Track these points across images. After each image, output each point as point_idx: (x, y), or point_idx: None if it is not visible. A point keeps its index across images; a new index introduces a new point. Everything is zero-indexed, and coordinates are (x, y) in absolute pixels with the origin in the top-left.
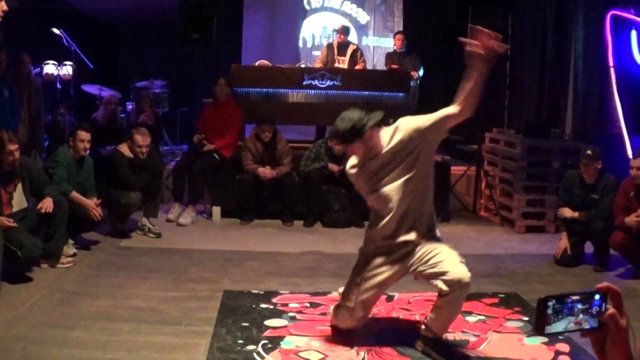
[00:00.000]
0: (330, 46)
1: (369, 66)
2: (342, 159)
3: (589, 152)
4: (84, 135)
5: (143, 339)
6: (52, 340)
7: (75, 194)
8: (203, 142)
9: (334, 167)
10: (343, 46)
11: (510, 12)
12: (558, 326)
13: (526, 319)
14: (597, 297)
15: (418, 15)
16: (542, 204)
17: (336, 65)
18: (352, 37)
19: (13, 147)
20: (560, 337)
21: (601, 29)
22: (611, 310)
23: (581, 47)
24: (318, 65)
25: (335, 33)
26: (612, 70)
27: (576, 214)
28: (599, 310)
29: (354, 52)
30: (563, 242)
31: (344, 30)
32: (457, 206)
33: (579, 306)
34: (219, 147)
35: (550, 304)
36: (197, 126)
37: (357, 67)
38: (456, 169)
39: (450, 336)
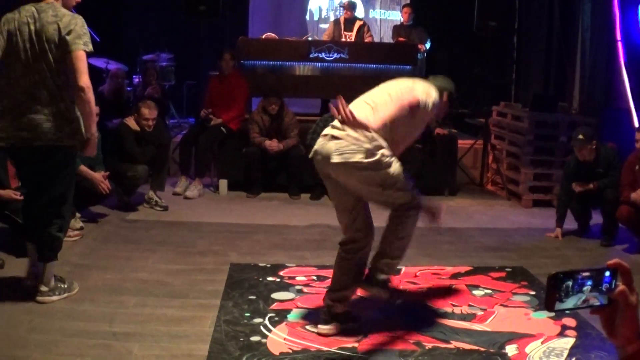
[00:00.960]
0: (337, 22)
1: (376, 39)
2: None
3: (580, 137)
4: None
5: (150, 311)
6: (59, 313)
7: (83, 168)
8: (210, 117)
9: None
10: (349, 22)
11: None
12: (568, 303)
13: (533, 293)
14: (607, 273)
15: None
16: (549, 178)
17: (342, 39)
18: (360, 9)
19: None
20: (567, 312)
21: (609, 3)
22: (621, 287)
23: (588, 20)
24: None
25: (341, 9)
26: (619, 44)
27: (590, 185)
28: (609, 287)
29: (361, 27)
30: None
31: (351, 6)
32: (464, 180)
33: (589, 283)
34: (226, 120)
35: (560, 280)
36: (204, 100)
37: (366, 41)
38: (463, 143)
39: (457, 310)
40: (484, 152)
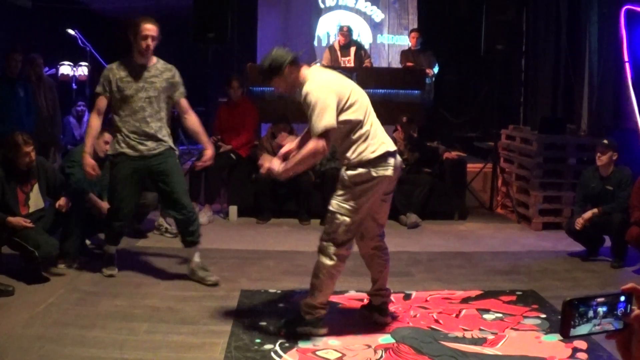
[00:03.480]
0: (332, 48)
1: (384, 64)
2: None
3: (605, 141)
4: (108, 137)
5: (160, 338)
6: (69, 339)
7: (92, 196)
8: (219, 144)
9: None
10: (345, 47)
11: (524, 7)
12: (583, 329)
13: (544, 316)
14: (622, 298)
15: (432, 12)
16: (559, 201)
17: (342, 66)
18: (367, 34)
19: (28, 148)
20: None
21: (615, 24)
22: (637, 311)
23: (595, 42)
24: None
25: (337, 34)
26: (626, 65)
27: (595, 210)
28: (624, 312)
29: (357, 50)
30: (588, 213)
31: (348, 32)
32: (474, 203)
33: (604, 308)
34: (235, 146)
35: (574, 306)
36: (213, 127)
37: (365, 66)
38: (472, 166)
39: (468, 334)
40: (494, 175)
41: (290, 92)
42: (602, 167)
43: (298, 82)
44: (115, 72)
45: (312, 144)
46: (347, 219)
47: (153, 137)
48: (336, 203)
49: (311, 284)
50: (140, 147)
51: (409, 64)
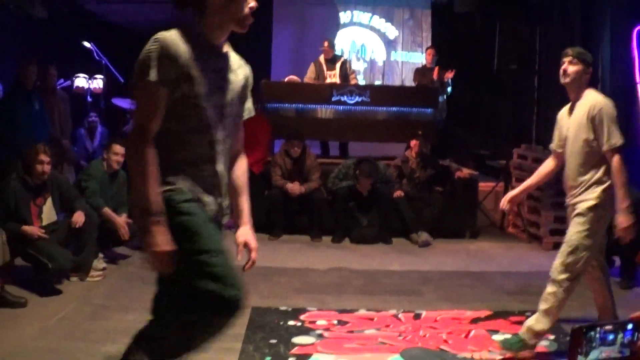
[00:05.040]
0: (317, 62)
1: (398, 81)
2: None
3: None
4: (119, 149)
5: None
6: (80, 354)
7: (106, 210)
8: None
9: (364, 186)
10: (330, 61)
11: (538, 26)
12: (590, 356)
13: (552, 337)
14: (629, 326)
15: (446, 30)
16: None
17: (328, 80)
18: (381, 52)
19: (45, 158)
20: None
21: (627, 45)
22: None
23: (608, 62)
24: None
25: (361, 51)
26: (638, 87)
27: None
28: (632, 339)
29: (343, 64)
30: None
31: (330, 46)
32: (485, 222)
33: (611, 336)
34: (249, 163)
35: (582, 334)
36: None
37: (352, 82)
38: (484, 185)
39: (476, 355)
40: (505, 194)
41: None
42: None
43: None
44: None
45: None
46: (589, 253)
47: None
48: (578, 236)
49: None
50: None
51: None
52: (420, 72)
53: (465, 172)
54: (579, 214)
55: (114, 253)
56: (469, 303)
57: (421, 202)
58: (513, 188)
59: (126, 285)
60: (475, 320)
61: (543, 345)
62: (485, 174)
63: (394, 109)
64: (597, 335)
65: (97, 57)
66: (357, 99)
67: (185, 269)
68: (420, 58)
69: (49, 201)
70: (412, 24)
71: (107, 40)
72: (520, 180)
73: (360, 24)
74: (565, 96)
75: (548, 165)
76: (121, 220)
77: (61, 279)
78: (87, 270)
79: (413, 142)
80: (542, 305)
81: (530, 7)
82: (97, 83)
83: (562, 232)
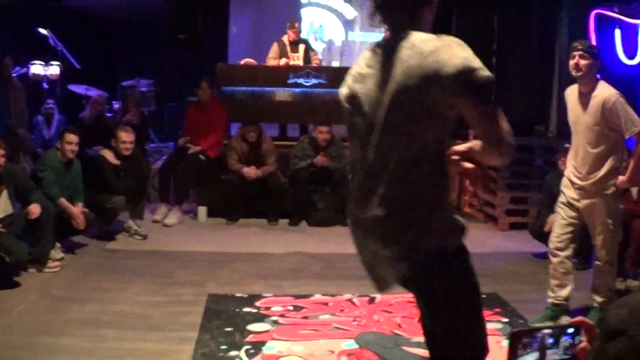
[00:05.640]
0: (281, 42)
1: (355, 61)
2: (327, 149)
3: (566, 145)
4: (72, 137)
5: (128, 345)
6: (41, 347)
7: (62, 200)
8: (188, 145)
9: (321, 160)
10: (294, 43)
11: (495, 11)
12: (528, 358)
13: (505, 320)
14: (570, 330)
15: None
16: (526, 202)
17: (290, 62)
18: (339, 32)
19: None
20: None
21: (585, 28)
22: (584, 343)
23: (565, 44)
24: (270, 62)
25: (319, 31)
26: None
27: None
28: (572, 343)
29: (307, 48)
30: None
31: (300, 28)
32: None
33: (550, 340)
34: (205, 147)
35: (520, 338)
36: (182, 128)
37: (314, 64)
38: None
39: None
40: (461, 174)
41: None
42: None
43: None
44: None
45: None
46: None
47: None
48: (613, 219)
49: None
50: None
51: None
52: None
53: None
54: (605, 199)
55: (71, 242)
56: None
57: None
58: None
59: (84, 275)
60: None
61: (495, 327)
62: None
63: None
64: (534, 340)
65: (52, 44)
66: (314, 81)
67: None
68: (378, 38)
69: (5, 194)
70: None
71: (62, 26)
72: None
73: (318, 5)
74: (520, 77)
75: None
76: (77, 210)
77: (19, 271)
78: (44, 262)
79: None
80: (603, 284)
81: None
82: (54, 70)
83: (518, 213)
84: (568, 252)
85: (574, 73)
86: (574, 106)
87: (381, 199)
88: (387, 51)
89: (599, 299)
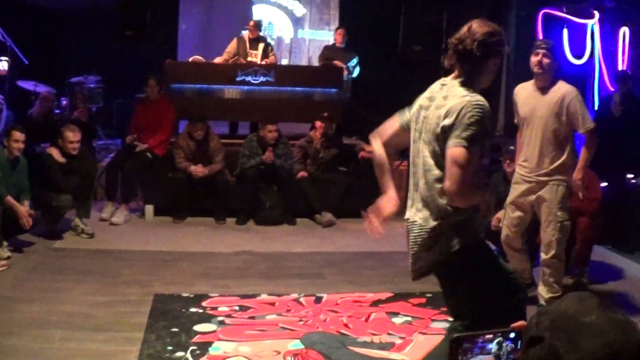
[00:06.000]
0: (241, 39)
1: (305, 59)
2: (275, 147)
3: (512, 147)
4: (19, 135)
5: (75, 346)
6: None
7: (9, 199)
8: (135, 143)
9: (268, 156)
10: (254, 41)
11: (444, 9)
12: None
13: (452, 319)
14: (512, 335)
15: (353, 10)
16: None
17: (249, 59)
18: (288, 29)
19: None
20: None
21: (533, 24)
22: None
23: (513, 44)
24: (225, 57)
25: (269, 28)
26: None
27: (503, 211)
28: (514, 347)
29: (266, 47)
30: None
31: (257, 25)
32: None
33: (491, 345)
34: (152, 145)
35: (461, 343)
36: (130, 125)
37: (269, 60)
38: None
39: (376, 339)
40: (408, 173)
41: None
42: (510, 173)
43: None
44: None
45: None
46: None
47: None
48: (562, 212)
49: None
50: None
51: (337, 62)
52: (329, 51)
53: (368, 149)
54: (555, 191)
55: (18, 240)
56: (370, 285)
57: (325, 183)
58: None
59: (31, 274)
60: (375, 303)
61: (442, 327)
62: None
63: (299, 88)
64: (475, 345)
65: (1, 38)
66: (262, 78)
67: None
68: (327, 36)
69: None
70: (320, 2)
71: (10, 20)
72: None
73: (267, 2)
74: None
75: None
76: (23, 208)
77: None
78: None
79: (318, 124)
80: (551, 278)
81: None
82: (2, 65)
83: None
84: (520, 247)
85: (535, 70)
86: (528, 100)
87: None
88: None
89: (545, 294)
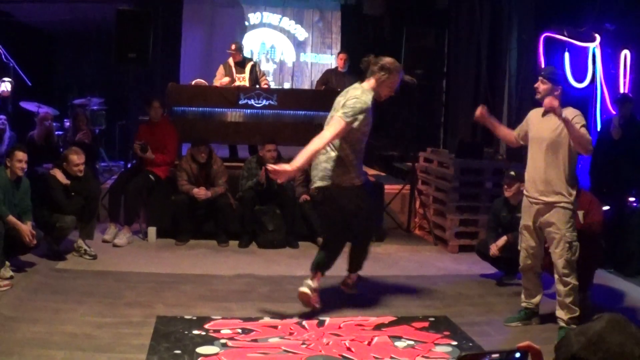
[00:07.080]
0: (226, 64)
1: (307, 82)
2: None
3: (512, 172)
4: (21, 155)
5: None
6: None
7: (11, 218)
8: (145, 146)
9: (263, 176)
10: (240, 64)
11: (446, 31)
12: None
13: (455, 343)
14: (517, 355)
15: (354, 34)
16: (475, 224)
17: (237, 83)
18: (290, 53)
19: None
20: None
21: (534, 49)
22: None
23: (515, 67)
24: (216, 84)
25: (270, 51)
26: None
27: (505, 238)
28: None
29: (253, 67)
30: (501, 241)
31: (238, 49)
32: (391, 225)
33: None
34: (156, 165)
35: None
36: (133, 145)
37: (262, 83)
38: (390, 188)
39: None
40: (411, 197)
41: None
42: (512, 197)
43: None
44: None
45: None
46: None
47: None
48: (570, 232)
49: None
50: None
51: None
52: (330, 74)
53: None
54: (561, 212)
55: (20, 261)
56: (373, 309)
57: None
58: (419, 191)
59: (33, 294)
60: (378, 327)
61: (444, 351)
62: (394, 176)
63: (301, 112)
64: None
65: (4, 59)
66: (264, 102)
67: None
68: (329, 60)
69: None
70: (322, 26)
71: (14, 42)
72: (427, 183)
73: (270, 25)
74: (470, 99)
75: (511, 134)
76: (26, 227)
77: None
78: None
79: None
80: (567, 299)
81: (438, 12)
82: (5, 86)
83: (467, 235)
84: (538, 270)
85: (536, 96)
86: (535, 123)
87: None
88: None
89: (564, 316)
